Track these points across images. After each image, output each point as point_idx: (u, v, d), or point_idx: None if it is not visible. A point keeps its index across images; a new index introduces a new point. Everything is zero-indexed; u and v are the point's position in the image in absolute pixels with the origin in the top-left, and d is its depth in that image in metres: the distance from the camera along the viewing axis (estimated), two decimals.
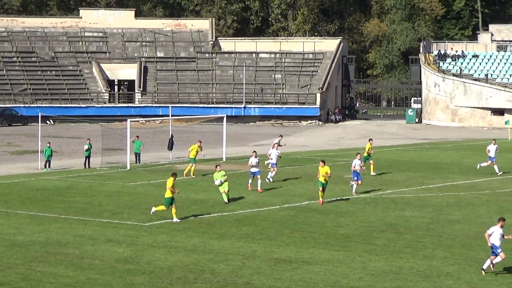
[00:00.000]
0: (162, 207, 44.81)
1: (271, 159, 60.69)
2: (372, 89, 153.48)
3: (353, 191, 54.11)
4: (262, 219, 46.07)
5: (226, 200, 50.09)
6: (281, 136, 71.06)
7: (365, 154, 62.91)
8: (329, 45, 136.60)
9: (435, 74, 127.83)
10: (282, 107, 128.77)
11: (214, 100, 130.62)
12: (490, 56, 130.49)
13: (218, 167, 50.95)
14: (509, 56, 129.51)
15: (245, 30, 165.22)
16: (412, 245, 39.67)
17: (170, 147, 75.40)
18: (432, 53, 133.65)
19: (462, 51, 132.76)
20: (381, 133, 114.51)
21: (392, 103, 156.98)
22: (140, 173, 65.64)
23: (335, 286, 31.87)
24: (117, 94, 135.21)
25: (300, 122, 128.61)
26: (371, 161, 63.96)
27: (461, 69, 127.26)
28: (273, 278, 32.91)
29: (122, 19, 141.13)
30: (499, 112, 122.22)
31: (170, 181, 44.79)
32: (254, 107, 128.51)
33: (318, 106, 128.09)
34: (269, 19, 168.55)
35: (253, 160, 55.87)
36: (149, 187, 57.96)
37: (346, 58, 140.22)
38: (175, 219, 44.42)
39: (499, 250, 33.43)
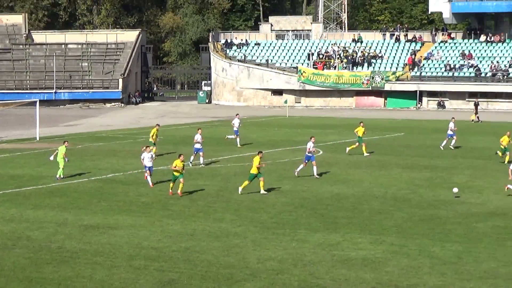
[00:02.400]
0: None
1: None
2: (167, 74, 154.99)
3: (296, 171, 51.25)
4: (72, 190, 45.96)
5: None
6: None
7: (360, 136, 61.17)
8: (130, 36, 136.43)
9: (222, 60, 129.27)
10: (89, 92, 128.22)
11: (28, 86, 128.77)
12: (270, 43, 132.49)
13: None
14: (286, 43, 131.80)
15: (55, 24, 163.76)
16: (204, 210, 40.26)
17: None
18: (220, 42, 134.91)
19: (246, 39, 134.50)
20: (175, 112, 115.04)
21: (186, 86, 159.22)
22: None
23: (137, 247, 32.14)
24: None
25: (104, 104, 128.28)
26: (363, 143, 61.93)
27: (245, 56, 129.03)
28: (83, 242, 33.02)
29: None
30: (278, 92, 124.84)
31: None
32: (64, 92, 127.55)
33: (121, 90, 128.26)
34: (76, 13, 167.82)
35: (198, 137, 55.46)
36: None
37: (145, 48, 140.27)
38: None
39: None
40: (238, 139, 67.38)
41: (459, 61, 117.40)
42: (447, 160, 59.05)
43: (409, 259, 30.75)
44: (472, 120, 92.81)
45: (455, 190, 43.67)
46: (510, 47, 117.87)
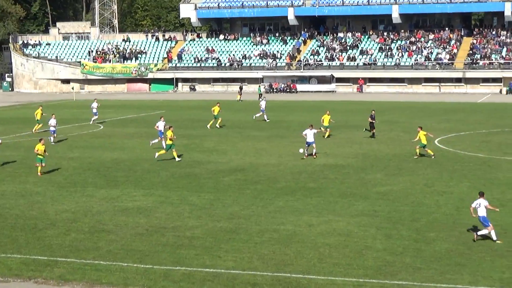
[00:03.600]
0: None
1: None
2: None
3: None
4: None
5: None
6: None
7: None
8: None
9: (21, 57, 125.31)
10: None
11: None
12: (58, 43, 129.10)
13: None
14: (71, 43, 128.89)
15: None
16: (11, 175, 39.11)
17: None
18: (18, 42, 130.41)
19: (39, 41, 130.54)
20: None
21: None
22: None
23: None
24: None
25: None
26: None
27: (39, 53, 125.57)
28: None
29: None
30: (66, 81, 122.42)
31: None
32: None
33: None
34: None
35: (52, 121, 52.03)
36: None
37: None
38: None
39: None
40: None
41: (205, 55, 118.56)
42: (199, 130, 59.61)
43: (173, 206, 30.94)
44: (239, 100, 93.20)
45: (301, 150, 43.43)
46: (242, 44, 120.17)
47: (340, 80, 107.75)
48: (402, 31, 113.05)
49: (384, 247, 24.43)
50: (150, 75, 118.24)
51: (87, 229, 27.19)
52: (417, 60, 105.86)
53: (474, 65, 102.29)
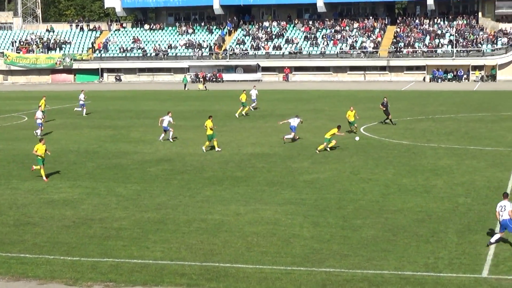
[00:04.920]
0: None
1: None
2: None
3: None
4: None
5: None
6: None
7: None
8: None
9: None
10: None
11: None
12: None
13: None
14: None
15: None
16: None
17: None
18: None
19: None
20: None
21: None
22: None
23: None
24: None
25: None
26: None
27: None
28: None
29: None
30: None
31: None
32: None
33: None
34: None
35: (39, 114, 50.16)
36: None
37: None
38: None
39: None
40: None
41: (130, 45, 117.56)
42: (126, 121, 59.15)
43: (100, 198, 30.64)
44: (202, 89, 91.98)
45: (357, 138, 44.26)
46: (167, 33, 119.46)
47: (266, 69, 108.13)
48: (327, 19, 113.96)
49: (312, 234, 24.62)
50: (75, 66, 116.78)
51: (12, 222, 26.73)
52: (342, 48, 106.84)
53: (398, 53, 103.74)
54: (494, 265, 21.20)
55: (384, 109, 52.65)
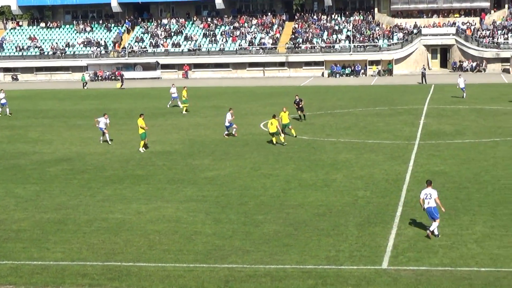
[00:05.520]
0: None
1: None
2: None
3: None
4: None
5: None
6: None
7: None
8: None
9: None
10: None
11: None
12: None
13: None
14: None
15: None
16: None
17: None
18: None
19: None
20: None
21: None
22: None
23: None
24: None
25: None
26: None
27: None
28: None
29: None
30: None
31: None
32: None
33: None
34: None
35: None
36: None
37: None
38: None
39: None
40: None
41: (27, 43, 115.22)
42: (23, 121, 57.93)
43: None
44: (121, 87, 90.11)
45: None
46: (65, 31, 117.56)
47: (165, 66, 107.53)
48: (226, 16, 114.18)
49: (214, 231, 24.67)
50: None
51: None
52: (241, 45, 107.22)
53: (296, 49, 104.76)
54: (394, 256, 21.68)
55: (297, 106, 53.05)
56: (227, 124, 45.80)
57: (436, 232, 23.44)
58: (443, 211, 23.99)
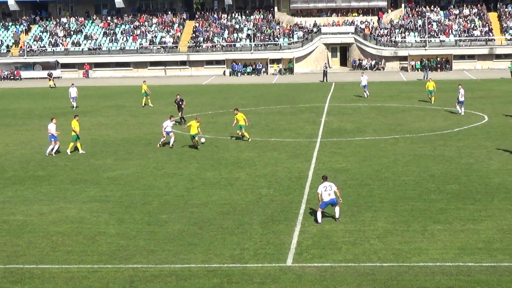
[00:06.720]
0: None
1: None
2: None
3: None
4: None
5: None
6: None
7: None
8: None
9: None
10: None
11: None
12: None
13: None
14: None
15: None
16: None
17: None
18: None
19: None
20: None
21: None
22: None
23: None
24: None
25: None
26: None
27: None
28: None
29: None
30: None
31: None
32: None
33: None
34: None
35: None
36: None
37: None
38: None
39: None
40: None
41: None
42: None
43: None
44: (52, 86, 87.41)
45: (203, 140, 41.25)
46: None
47: (65, 65, 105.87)
48: (126, 15, 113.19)
49: (117, 231, 24.48)
50: None
51: None
52: (141, 44, 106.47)
53: (197, 48, 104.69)
54: (298, 253, 21.94)
55: (177, 106, 52.63)
56: (168, 130, 41.74)
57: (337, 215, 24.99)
58: (340, 202, 25.23)
